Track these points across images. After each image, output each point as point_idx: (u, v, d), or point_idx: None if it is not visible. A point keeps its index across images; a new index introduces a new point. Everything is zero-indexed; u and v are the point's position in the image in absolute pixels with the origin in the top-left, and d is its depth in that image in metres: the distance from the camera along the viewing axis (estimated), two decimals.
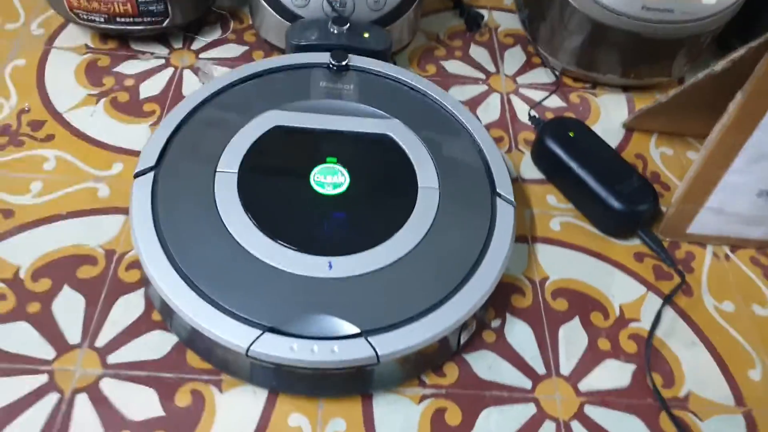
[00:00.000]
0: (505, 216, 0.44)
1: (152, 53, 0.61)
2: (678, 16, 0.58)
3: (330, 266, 0.40)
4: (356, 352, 0.36)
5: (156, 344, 0.42)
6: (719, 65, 0.46)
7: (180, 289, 0.38)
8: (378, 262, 0.40)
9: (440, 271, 0.41)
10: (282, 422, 0.39)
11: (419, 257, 0.41)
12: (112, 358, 0.41)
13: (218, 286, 0.39)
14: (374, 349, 0.36)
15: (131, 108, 0.56)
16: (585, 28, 0.60)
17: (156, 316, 0.43)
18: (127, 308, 0.43)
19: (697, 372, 0.44)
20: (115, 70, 0.59)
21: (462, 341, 0.42)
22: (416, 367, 0.41)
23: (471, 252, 0.42)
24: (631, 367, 0.44)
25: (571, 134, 0.54)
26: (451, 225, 0.43)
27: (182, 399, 0.40)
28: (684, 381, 0.43)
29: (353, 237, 0.42)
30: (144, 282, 0.44)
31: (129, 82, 0.58)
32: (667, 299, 0.47)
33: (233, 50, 0.63)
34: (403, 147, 0.47)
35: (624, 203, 0.49)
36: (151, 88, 0.58)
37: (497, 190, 0.46)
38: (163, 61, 0.60)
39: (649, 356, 0.44)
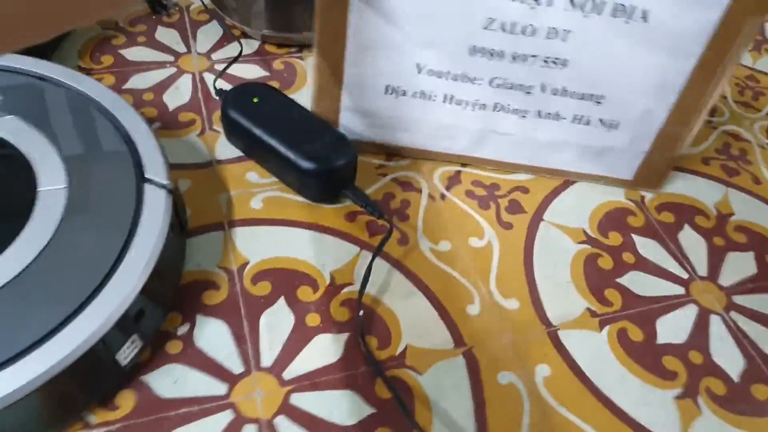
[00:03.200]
0: (157, 203, 0.36)
1: None
2: None
3: None
4: None
5: None
6: None
7: None
8: None
9: (62, 288, 0.31)
10: None
11: (36, 274, 0.32)
12: None
13: None
14: None
15: None
16: None
17: None
18: None
19: (414, 323, 0.39)
20: None
21: (126, 363, 0.33)
22: (64, 408, 0.31)
23: (106, 254, 0.33)
24: (344, 337, 0.38)
25: (255, 100, 0.48)
26: (81, 228, 0.34)
27: None
28: (401, 336, 0.38)
29: None
30: None
31: None
32: (377, 253, 0.42)
33: None
34: (19, 148, 0.37)
35: (315, 162, 0.44)
36: None
37: (146, 176, 0.37)
38: None
39: (360, 320, 0.39)
